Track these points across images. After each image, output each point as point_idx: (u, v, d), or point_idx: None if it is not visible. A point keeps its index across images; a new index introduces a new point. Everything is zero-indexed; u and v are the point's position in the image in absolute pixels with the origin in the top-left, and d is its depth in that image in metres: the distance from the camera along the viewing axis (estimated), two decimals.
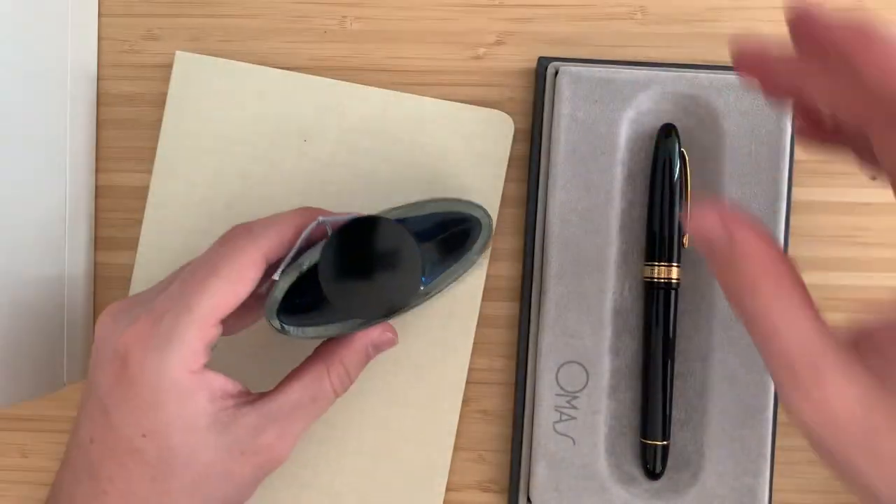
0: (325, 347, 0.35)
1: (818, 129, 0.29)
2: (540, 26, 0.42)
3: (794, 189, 0.41)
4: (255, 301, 0.34)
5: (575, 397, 0.40)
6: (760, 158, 0.39)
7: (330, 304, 0.34)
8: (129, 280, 0.42)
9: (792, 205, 0.41)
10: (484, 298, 0.42)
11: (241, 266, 0.32)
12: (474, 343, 0.42)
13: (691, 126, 0.40)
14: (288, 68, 0.42)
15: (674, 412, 0.40)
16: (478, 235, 0.37)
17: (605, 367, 0.40)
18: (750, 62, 0.27)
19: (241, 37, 0.42)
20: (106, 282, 0.43)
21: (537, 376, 0.40)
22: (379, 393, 0.41)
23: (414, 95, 0.42)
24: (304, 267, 0.34)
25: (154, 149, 0.42)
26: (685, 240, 0.40)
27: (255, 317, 0.37)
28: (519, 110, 0.42)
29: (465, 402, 0.42)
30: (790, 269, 0.25)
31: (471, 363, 0.42)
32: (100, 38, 0.43)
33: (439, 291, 0.38)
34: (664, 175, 0.39)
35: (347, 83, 0.42)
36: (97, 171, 0.43)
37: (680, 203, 0.39)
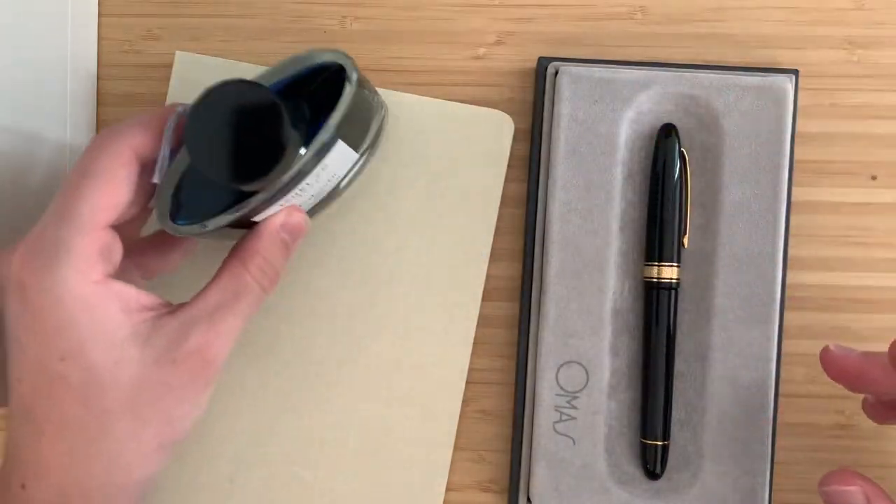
0: (238, 245, 0.34)
1: (888, 409, 0.38)
2: (540, 26, 0.42)
3: (794, 189, 0.41)
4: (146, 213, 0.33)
5: (575, 397, 0.40)
6: (760, 158, 0.39)
7: (221, 190, 0.33)
8: None
9: (792, 205, 0.41)
10: (484, 298, 0.42)
11: (110, 163, 0.31)
12: (474, 343, 0.42)
13: (691, 126, 0.40)
14: None
15: (674, 412, 0.40)
16: (345, 81, 0.35)
17: (605, 367, 0.40)
18: (837, 372, 0.35)
19: (241, 37, 0.42)
20: None
21: (537, 376, 0.40)
22: (379, 393, 0.41)
23: (414, 95, 0.42)
24: (186, 165, 0.33)
25: None
26: (685, 240, 0.40)
27: (172, 253, 0.36)
28: (519, 110, 0.42)
29: (465, 402, 0.42)
30: None
31: (471, 363, 0.42)
32: (100, 38, 0.43)
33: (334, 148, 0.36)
34: (664, 175, 0.39)
35: None
36: None
37: (680, 203, 0.39)
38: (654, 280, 0.39)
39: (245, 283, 0.33)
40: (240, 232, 0.36)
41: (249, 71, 0.42)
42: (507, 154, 0.42)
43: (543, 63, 0.41)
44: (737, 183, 0.39)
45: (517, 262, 0.42)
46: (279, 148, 0.32)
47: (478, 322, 0.41)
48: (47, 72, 0.39)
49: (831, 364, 0.35)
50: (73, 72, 0.41)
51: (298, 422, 0.42)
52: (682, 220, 0.40)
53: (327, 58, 0.35)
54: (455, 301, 0.41)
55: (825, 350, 0.35)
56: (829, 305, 0.42)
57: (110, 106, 0.43)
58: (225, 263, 0.34)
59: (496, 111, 0.41)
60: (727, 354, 0.39)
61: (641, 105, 0.40)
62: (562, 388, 0.40)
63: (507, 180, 0.42)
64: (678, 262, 0.40)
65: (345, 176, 0.38)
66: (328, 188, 0.38)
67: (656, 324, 0.39)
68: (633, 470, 0.40)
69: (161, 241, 0.35)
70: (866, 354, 0.34)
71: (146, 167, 0.32)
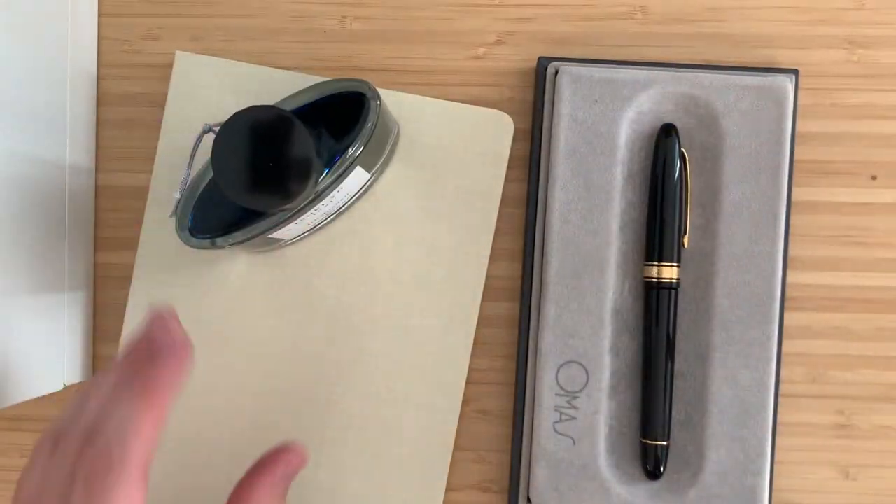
0: (237, 494, 0.34)
1: None
2: (540, 26, 0.42)
3: (794, 189, 0.41)
4: None
5: (575, 397, 0.40)
6: (760, 158, 0.39)
7: (240, 208, 0.34)
8: (129, 280, 0.42)
9: (792, 205, 0.41)
10: (484, 298, 0.42)
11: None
12: (474, 343, 0.42)
13: (691, 126, 0.40)
14: (288, 68, 0.42)
15: (674, 412, 0.40)
16: (368, 109, 0.36)
17: (605, 367, 0.40)
18: None
19: (241, 37, 0.42)
20: (106, 282, 0.43)
21: (537, 376, 0.40)
22: (379, 393, 0.41)
23: (414, 95, 0.42)
24: (207, 180, 0.34)
25: (154, 149, 0.42)
26: (685, 240, 0.40)
27: None
28: (519, 110, 0.42)
29: (465, 402, 0.42)
30: None
31: (471, 363, 0.42)
32: (100, 38, 0.43)
33: (349, 172, 0.37)
34: (664, 175, 0.39)
35: None
36: (97, 171, 0.43)
37: (680, 203, 0.39)
38: (654, 280, 0.39)
39: None
40: (255, 241, 0.37)
41: (249, 71, 0.42)
42: (507, 154, 0.42)
43: (543, 63, 0.41)
44: (737, 183, 0.39)
45: (517, 262, 0.42)
46: (304, 177, 0.33)
47: (478, 322, 0.41)
48: (47, 72, 0.39)
49: None
50: (72, 72, 0.41)
51: (298, 422, 0.42)
52: (682, 220, 0.40)
53: (350, 86, 0.36)
54: (455, 301, 0.41)
55: None
56: (829, 305, 0.42)
57: (110, 106, 0.43)
58: None
59: (496, 111, 0.41)
60: (727, 354, 0.39)
61: (641, 105, 0.40)
62: (562, 388, 0.40)
63: (507, 180, 0.42)
64: (678, 262, 0.40)
65: (356, 193, 0.39)
66: (340, 206, 0.39)
67: (656, 324, 0.39)
68: (633, 470, 0.40)
69: None
70: None
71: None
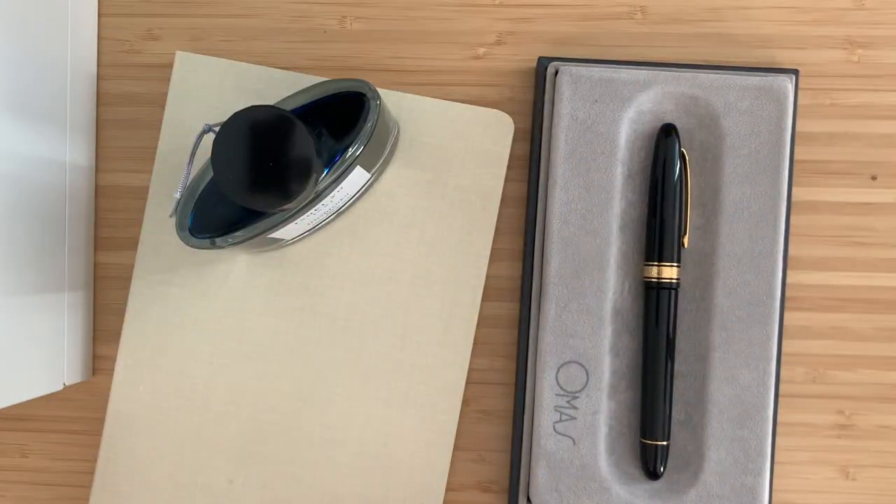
0: None
1: None
2: (540, 26, 0.42)
3: (794, 189, 0.41)
4: None
5: (575, 397, 0.40)
6: (760, 158, 0.39)
7: (239, 208, 0.34)
8: (129, 280, 0.42)
9: (792, 205, 0.41)
10: (484, 298, 0.42)
11: None
12: (474, 343, 0.42)
13: (691, 126, 0.40)
14: (288, 68, 0.42)
15: (674, 412, 0.40)
16: (368, 109, 0.36)
17: (605, 367, 0.40)
18: None
19: (241, 37, 0.42)
20: (106, 282, 0.43)
21: (537, 376, 0.40)
22: (379, 393, 0.41)
23: (414, 95, 0.42)
24: (207, 180, 0.34)
25: (154, 149, 0.42)
26: (685, 240, 0.40)
27: None
28: (519, 110, 0.42)
29: (465, 402, 0.42)
30: None
31: (471, 363, 0.42)
32: (100, 38, 0.43)
33: (348, 173, 0.37)
34: (664, 175, 0.39)
35: None
36: (97, 171, 0.43)
37: (680, 203, 0.39)
38: (654, 280, 0.39)
39: None
40: (255, 241, 0.37)
41: (249, 71, 0.42)
42: (507, 154, 0.42)
43: (543, 63, 0.41)
44: (737, 183, 0.39)
45: (517, 262, 0.42)
46: (304, 177, 0.33)
47: (478, 322, 0.41)
48: (47, 71, 0.39)
49: None
50: (73, 72, 0.41)
51: (298, 422, 0.42)
52: (682, 220, 0.40)
53: (350, 86, 0.36)
54: (455, 301, 0.41)
55: None
56: (829, 305, 0.42)
57: (110, 106, 0.43)
58: None
59: (496, 111, 0.41)
60: (727, 354, 0.39)
61: (641, 105, 0.40)
62: (562, 388, 0.40)
63: (507, 180, 0.42)
64: (678, 262, 0.40)
65: (355, 193, 0.39)
66: (340, 206, 0.39)
67: (656, 324, 0.39)
68: (633, 470, 0.40)
69: None
70: None
71: None
